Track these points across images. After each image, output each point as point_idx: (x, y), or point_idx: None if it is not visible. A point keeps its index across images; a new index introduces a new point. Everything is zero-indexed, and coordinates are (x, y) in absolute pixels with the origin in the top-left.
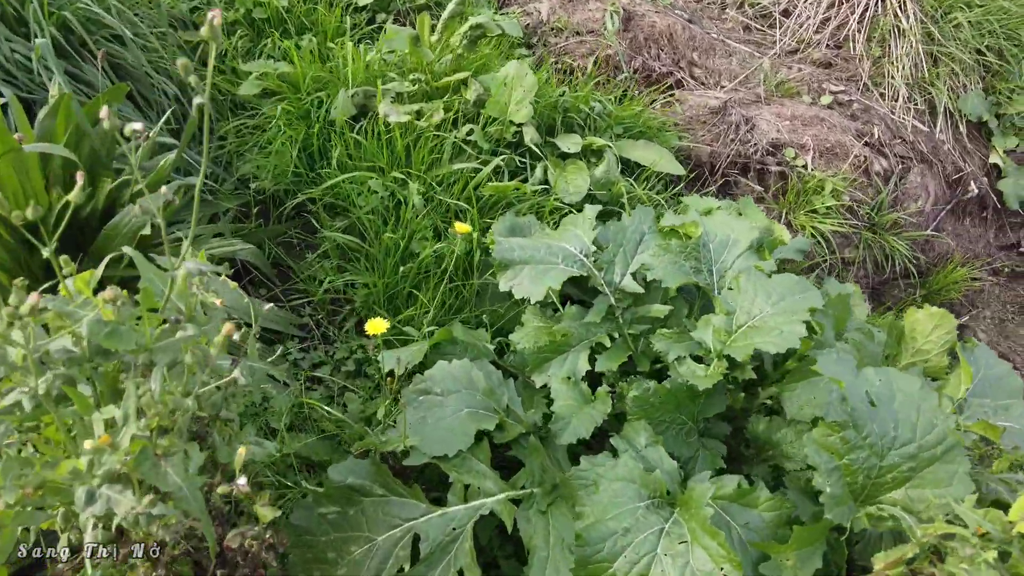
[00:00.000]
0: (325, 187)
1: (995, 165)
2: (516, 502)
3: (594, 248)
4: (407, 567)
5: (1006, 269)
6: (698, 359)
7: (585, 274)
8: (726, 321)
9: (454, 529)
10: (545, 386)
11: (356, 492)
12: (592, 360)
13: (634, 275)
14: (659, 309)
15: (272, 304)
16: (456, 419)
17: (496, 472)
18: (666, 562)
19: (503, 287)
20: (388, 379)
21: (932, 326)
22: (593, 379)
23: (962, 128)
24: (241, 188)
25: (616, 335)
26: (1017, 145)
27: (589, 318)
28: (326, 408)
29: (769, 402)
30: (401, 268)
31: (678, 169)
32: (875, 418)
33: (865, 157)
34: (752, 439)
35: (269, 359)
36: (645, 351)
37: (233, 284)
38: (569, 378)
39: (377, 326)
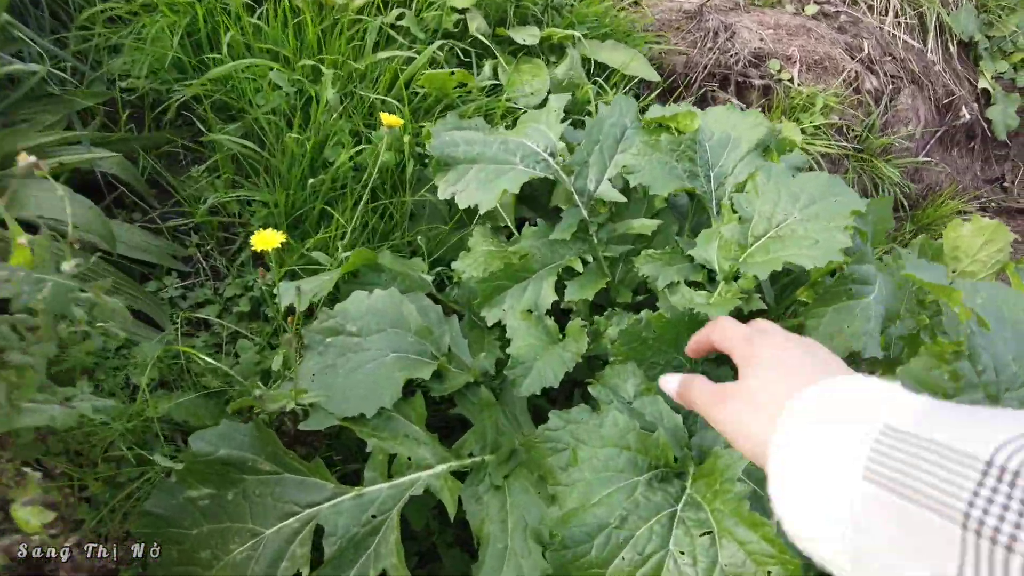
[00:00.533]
0: (213, 76)
1: (984, 91)
2: (461, 475)
3: (562, 145)
4: (306, 572)
5: (993, 204)
6: (695, 286)
7: (550, 177)
8: (739, 231)
9: (374, 517)
10: (498, 325)
11: (234, 468)
12: (559, 290)
13: (611, 181)
14: (644, 224)
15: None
16: (378, 367)
17: (433, 436)
18: (683, 564)
19: (442, 193)
20: (288, 319)
21: (980, 242)
22: (557, 317)
23: (952, 48)
24: (112, 89)
25: (590, 258)
26: (1006, 71)
27: (557, 235)
28: (204, 357)
29: None
30: (310, 181)
31: (652, 75)
32: (988, 347)
33: (857, 73)
34: None
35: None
36: (625, 279)
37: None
38: (531, 312)
39: (267, 239)
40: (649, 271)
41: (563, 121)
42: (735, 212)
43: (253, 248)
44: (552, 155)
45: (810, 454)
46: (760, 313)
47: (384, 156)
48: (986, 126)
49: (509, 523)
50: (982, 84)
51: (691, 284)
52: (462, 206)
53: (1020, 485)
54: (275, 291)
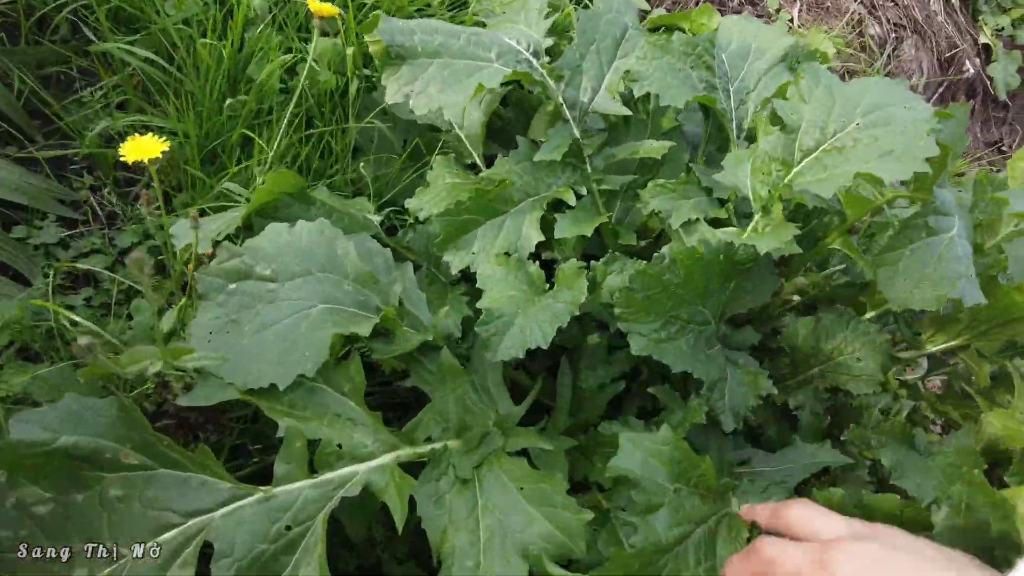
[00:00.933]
0: None
1: (985, 46)
2: (416, 469)
3: (549, 42)
4: None
5: (995, 169)
6: (717, 225)
7: (532, 87)
8: (782, 145)
9: (288, 528)
10: (466, 277)
11: (86, 463)
12: (546, 229)
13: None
14: (651, 147)
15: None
16: (299, 322)
17: (375, 415)
18: None
19: (392, 95)
20: (186, 265)
21: None
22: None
23: (954, 0)
24: None
25: (583, 189)
26: (1005, 27)
27: (543, 155)
28: (74, 316)
29: (799, 296)
30: (228, 101)
31: (642, 3)
32: None
33: (860, 17)
34: (789, 349)
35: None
36: (626, 218)
37: None
38: (508, 255)
39: (144, 147)
40: (660, 205)
41: (547, 17)
42: (774, 124)
43: (123, 158)
44: (536, 55)
45: None
46: (789, 261)
47: (323, 75)
48: (988, 83)
49: (481, 532)
50: (983, 39)
51: (711, 223)
52: (419, 112)
53: None
54: (168, 232)
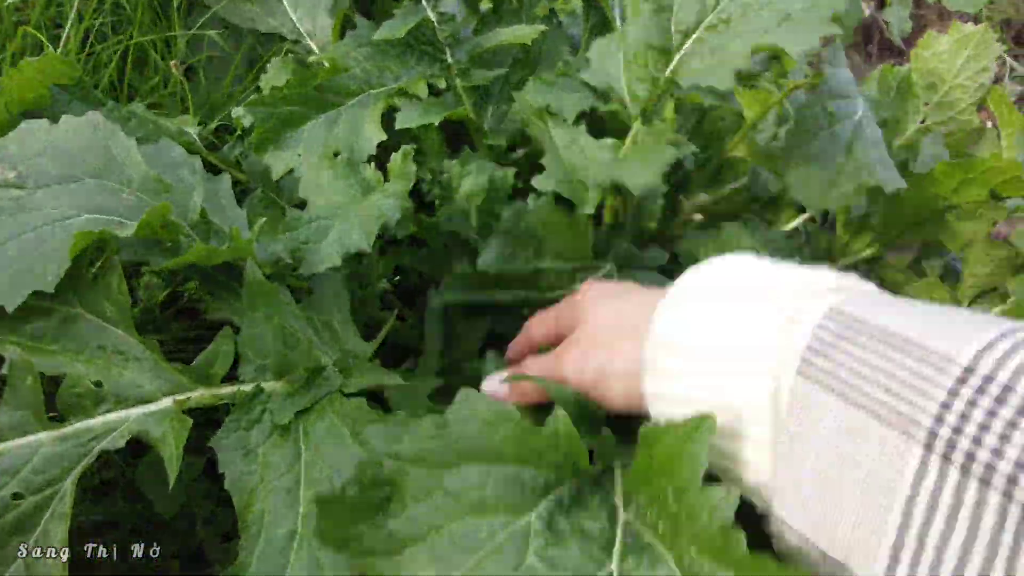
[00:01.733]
0: None
1: None
2: (211, 417)
3: None
4: None
5: None
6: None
7: None
8: (655, 28)
9: (17, 498)
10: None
11: None
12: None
13: None
14: (520, 32)
15: None
16: (52, 235)
17: (151, 343)
18: None
19: None
20: None
21: (962, 60)
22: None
23: None
24: None
25: (442, 84)
26: None
27: (384, 34)
28: None
29: (701, 216)
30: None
31: None
32: None
33: None
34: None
35: None
36: (499, 126)
37: None
38: (338, 156)
39: None
40: (538, 98)
41: None
42: (646, 1)
43: None
44: None
45: (716, 340)
46: (687, 181)
47: None
48: (884, 27)
49: (302, 492)
50: None
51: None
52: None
53: (1010, 402)
54: None
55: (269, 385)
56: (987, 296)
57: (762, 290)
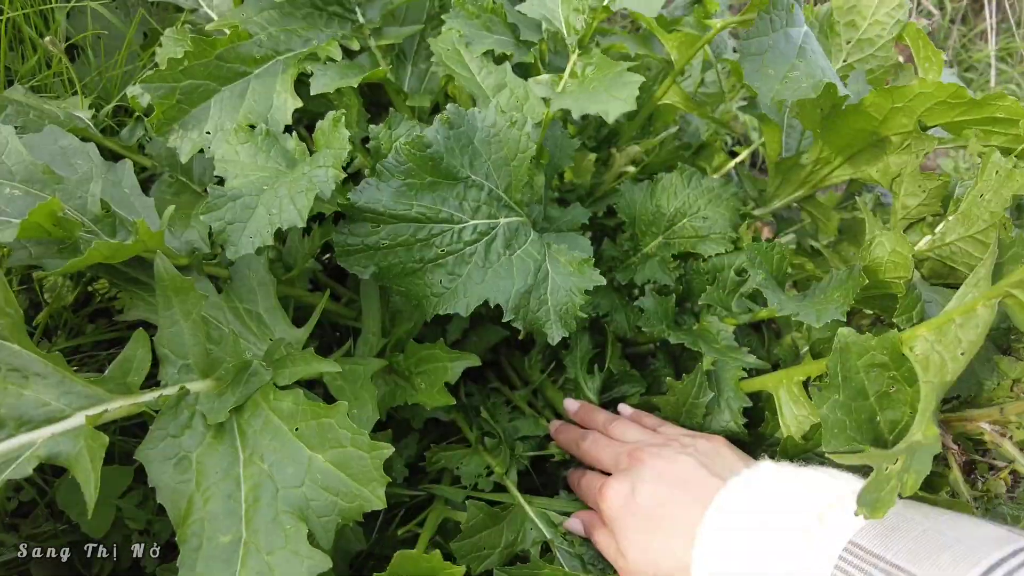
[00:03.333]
0: None
1: None
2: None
3: None
4: None
5: None
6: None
7: None
8: None
9: None
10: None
11: None
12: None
13: None
14: None
15: None
16: None
17: (57, 360)
18: None
19: None
20: None
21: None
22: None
23: None
24: None
25: (356, 46)
26: None
27: None
28: None
29: (633, 168)
30: None
31: None
32: None
33: None
34: (628, 220)
35: None
36: (420, 87)
37: None
38: (255, 128)
39: None
40: (455, 32)
41: None
42: None
43: None
44: None
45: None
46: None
47: None
48: None
49: (243, 495)
50: None
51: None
52: None
53: None
54: None
55: (195, 385)
56: (916, 227)
57: (786, 522)
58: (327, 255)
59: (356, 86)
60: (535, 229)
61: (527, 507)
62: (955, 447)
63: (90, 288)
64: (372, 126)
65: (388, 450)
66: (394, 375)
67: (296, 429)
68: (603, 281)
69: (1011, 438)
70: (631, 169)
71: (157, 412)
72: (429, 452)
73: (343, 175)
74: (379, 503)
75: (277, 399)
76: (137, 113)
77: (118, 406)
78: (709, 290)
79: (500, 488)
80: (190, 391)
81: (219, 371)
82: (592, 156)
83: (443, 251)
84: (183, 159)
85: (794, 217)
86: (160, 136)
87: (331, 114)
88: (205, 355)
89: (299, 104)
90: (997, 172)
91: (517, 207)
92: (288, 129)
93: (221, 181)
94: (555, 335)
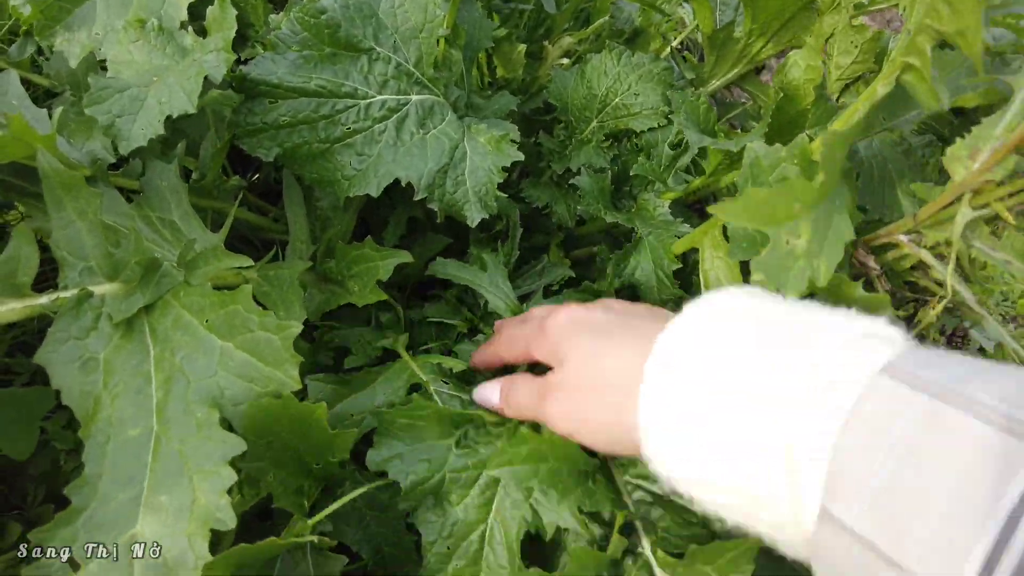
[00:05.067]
0: None
1: None
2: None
3: None
4: None
5: None
6: None
7: None
8: None
9: None
10: None
11: None
12: None
13: None
14: None
15: None
16: None
17: None
18: None
19: None
20: None
21: None
22: None
23: None
24: None
25: None
26: None
27: None
28: None
29: (567, 60)
30: None
31: None
32: None
33: None
34: (560, 107)
35: None
36: None
37: None
38: (146, 24)
39: None
40: None
41: None
42: None
43: None
44: None
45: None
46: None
47: None
48: None
49: (154, 391)
50: None
51: None
52: None
53: None
54: None
55: (100, 288)
56: (853, 87)
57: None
58: (255, 175)
59: None
60: (455, 114)
61: (409, 360)
62: (877, 268)
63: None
64: (271, 16)
65: (296, 328)
66: (329, 283)
67: (206, 321)
68: (521, 157)
69: (926, 245)
70: (565, 61)
71: (54, 315)
72: (320, 330)
73: (233, 56)
74: (294, 383)
75: (187, 294)
76: (24, 27)
77: (8, 308)
78: (641, 160)
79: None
80: (94, 293)
81: (125, 272)
82: (522, 47)
83: (350, 129)
84: (72, 63)
85: (735, 102)
86: (42, 40)
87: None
88: (108, 256)
89: None
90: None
91: (431, 84)
92: (182, 26)
93: None
94: (474, 216)
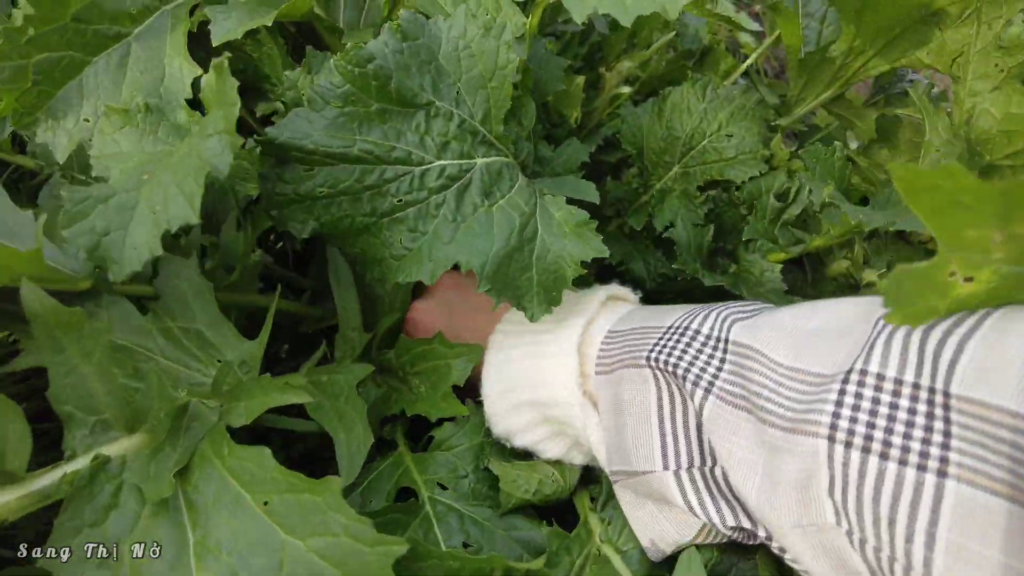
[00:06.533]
0: None
1: None
2: None
3: None
4: None
5: None
6: None
7: None
8: None
9: None
10: None
11: None
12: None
13: None
14: None
15: None
16: None
17: None
18: None
19: None
20: None
21: None
22: None
23: None
24: None
25: None
26: None
27: None
28: None
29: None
30: None
31: None
32: None
33: None
34: (635, 151)
35: None
36: (360, 19)
37: None
38: (143, 107)
39: None
40: None
41: None
42: None
43: None
44: None
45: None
46: (603, 48)
47: None
48: None
49: None
50: None
51: None
52: None
53: (693, 333)
54: None
55: (118, 447)
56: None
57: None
58: (279, 242)
59: (272, 25)
60: (524, 173)
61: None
62: None
63: None
64: (287, 72)
65: (401, 547)
66: (385, 375)
67: (265, 504)
68: (607, 253)
69: None
70: (626, 90)
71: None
72: None
73: (240, 140)
74: None
75: (234, 456)
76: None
77: (11, 498)
78: (752, 222)
79: None
80: (111, 458)
81: (150, 421)
82: (580, 79)
83: (401, 201)
84: (59, 157)
85: (813, 126)
86: (23, 130)
87: (213, 62)
88: (126, 403)
89: (198, 71)
90: None
91: (499, 143)
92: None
93: None
94: (535, 312)
